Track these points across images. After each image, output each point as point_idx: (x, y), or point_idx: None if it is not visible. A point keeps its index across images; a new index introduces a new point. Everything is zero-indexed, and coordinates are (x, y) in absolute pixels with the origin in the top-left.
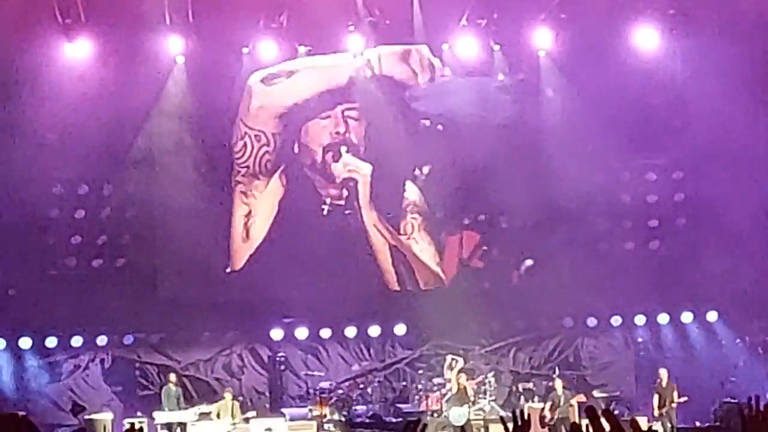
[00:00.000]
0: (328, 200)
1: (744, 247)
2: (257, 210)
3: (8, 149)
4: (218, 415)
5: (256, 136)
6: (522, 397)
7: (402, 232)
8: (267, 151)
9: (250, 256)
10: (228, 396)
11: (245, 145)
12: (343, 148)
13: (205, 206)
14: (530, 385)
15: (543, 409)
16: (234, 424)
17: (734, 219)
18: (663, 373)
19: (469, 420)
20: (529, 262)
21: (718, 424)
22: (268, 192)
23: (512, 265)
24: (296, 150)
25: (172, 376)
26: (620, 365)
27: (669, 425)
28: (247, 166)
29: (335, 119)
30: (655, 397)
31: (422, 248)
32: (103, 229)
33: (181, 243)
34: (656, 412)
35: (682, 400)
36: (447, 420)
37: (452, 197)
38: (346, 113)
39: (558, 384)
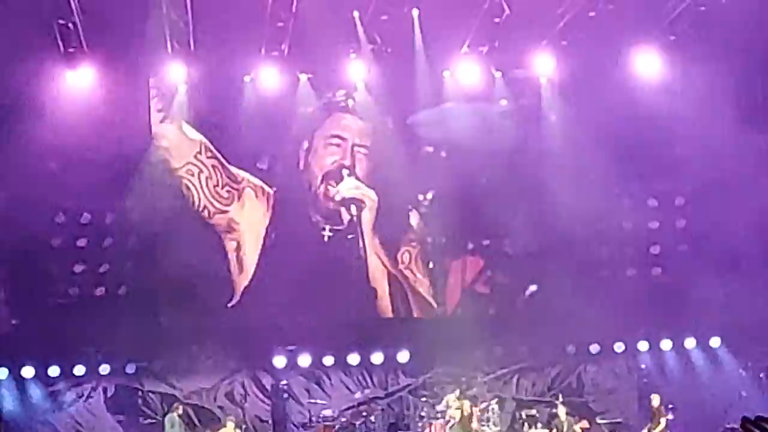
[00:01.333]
0: (327, 226)
1: (746, 272)
2: (244, 241)
3: (10, 177)
4: None
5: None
6: (525, 424)
7: (400, 261)
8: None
9: (245, 287)
10: (230, 425)
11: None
12: (345, 171)
13: (205, 235)
14: (533, 411)
15: None
16: None
17: (736, 245)
18: (655, 398)
19: None
20: (533, 288)
21: None
22: (254, 221)
23: (516, 291)
24: (301, 167)
25: (177, 406)
26: (623, 392)
27: None
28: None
29: (344, 151)
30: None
31: (417, 279)
32: (105, 258)
33: (182, 271)
34: None
35: (668, 418)
36: None
37: (456, 222)
38: (356, 148)
39: (561, 410)
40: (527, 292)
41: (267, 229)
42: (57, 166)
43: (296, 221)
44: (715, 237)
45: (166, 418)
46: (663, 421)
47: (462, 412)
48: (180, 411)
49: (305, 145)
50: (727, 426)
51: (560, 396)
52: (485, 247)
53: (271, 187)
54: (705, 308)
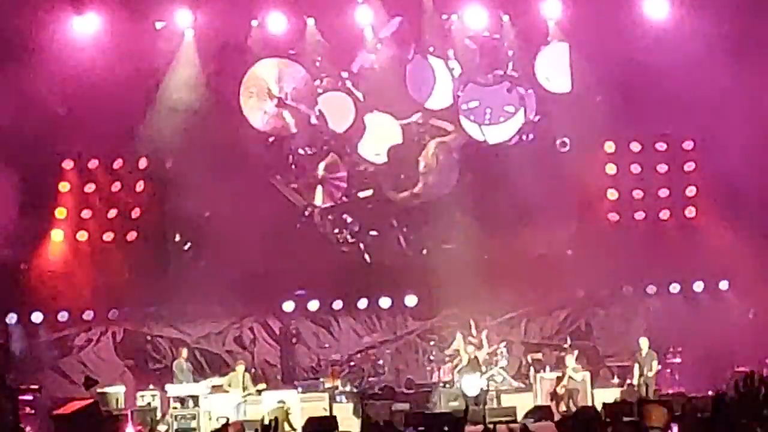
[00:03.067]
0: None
1: (754, 216)
2: None
3: (19, 122)
4: (229, 385)
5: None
6: (532, 368)
7: None
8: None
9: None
10: (240, 368)
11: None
12: None
13: (215, 182)
14: (539, 356)
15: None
16: (245, 396)
17: (744, 188)
18: (643, 342)
19: (482, 389)
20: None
21: (731, 393)
22: None
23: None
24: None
25: (184, 351)
26: (632, 335)
27: (645, 394)
28: None
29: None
30: (636, 367)
31: None
32: (114, 203)
33: (192, 216)
34: (635, 381)
35: (659, 368)
36: (459, 390)
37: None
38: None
39: (570, 359)
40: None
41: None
42: (64, 111)
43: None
44: (723, 180)
45: (174, 364)
46: (654, 364)
47: (470, 356)
48: (185, 355)
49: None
50: (737, 369)
51: (568, 340)
52: None
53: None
54: (713, 251)
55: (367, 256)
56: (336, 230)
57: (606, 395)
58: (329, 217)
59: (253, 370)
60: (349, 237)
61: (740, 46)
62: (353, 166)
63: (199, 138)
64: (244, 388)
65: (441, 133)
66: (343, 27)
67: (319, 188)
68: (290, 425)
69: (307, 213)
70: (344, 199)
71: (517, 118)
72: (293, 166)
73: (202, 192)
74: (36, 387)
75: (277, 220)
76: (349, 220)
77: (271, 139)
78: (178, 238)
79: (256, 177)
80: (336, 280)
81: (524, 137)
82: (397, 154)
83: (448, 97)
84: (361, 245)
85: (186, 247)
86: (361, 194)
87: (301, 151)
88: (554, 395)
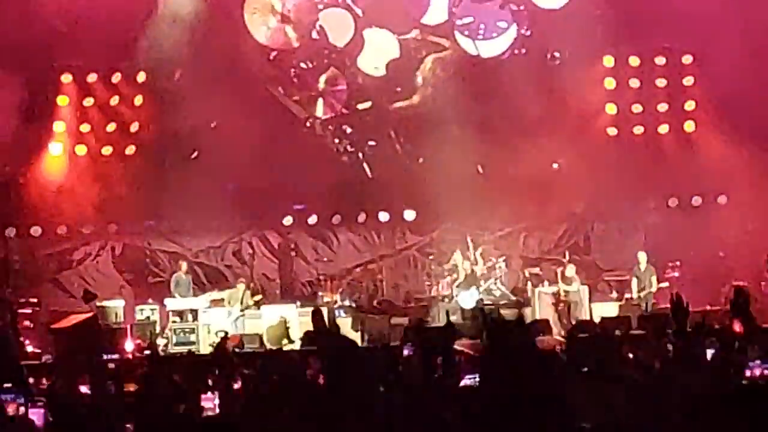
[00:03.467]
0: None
1: (753, 131)
2: None
3: (18, 36)
4: (229, 303)
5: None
6: (529, 283)
7: None
8: None
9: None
10: (240, 287)
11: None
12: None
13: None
14: (537, 270)
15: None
16: (243, 310)
17: (744, 103)
18: (642, 256)
19: (478, 302)
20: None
21: (728, 307)
22: None
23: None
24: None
25: (183, 264)
26: (630, 249)
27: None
28: None
29: None
30: (634, 281)
31: None
32: (113, 117)
33: (191, 131)
34: (635, 295)
35: (663, 285)
36: (457, 304)
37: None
38: None
39: (570, 269)
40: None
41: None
42: (64, 24)
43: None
44: (722, 95)
45: (173, 277)
46: (653, 279)
47: (467, 270)
48: (184, 268)
49: None
50: (734, 283)
51: (567, 254)
52: None
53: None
54: (712, 166)
55: (366, 167)
56: (336, 140)
57: (604, 309)
58: (329, 127)
59: (252, 285)
60: (348, 147)
61: None
62: (353, 79)
63: (199, 51)
64: (241, 304)
65: (438, 49)
66: None
67: (320, 101)
68: (289, 339)
69: (308, 124)
70: (344, 110)
71: (509, 33)
72: (295, 80)
73: (202, 105)
74: (35, 301)
75: (278, 133)
76: (349, 130)
77: (273, 54)
78: (195, 154)
79: (258, 90)
80: (335, 195)
81: (517, 51)
82: (395, 68)
83: (444, 13)
84: (360, 155)
85: (193, 155)
86: (360, 106)
87: (302, 65)
88: (556, 309)
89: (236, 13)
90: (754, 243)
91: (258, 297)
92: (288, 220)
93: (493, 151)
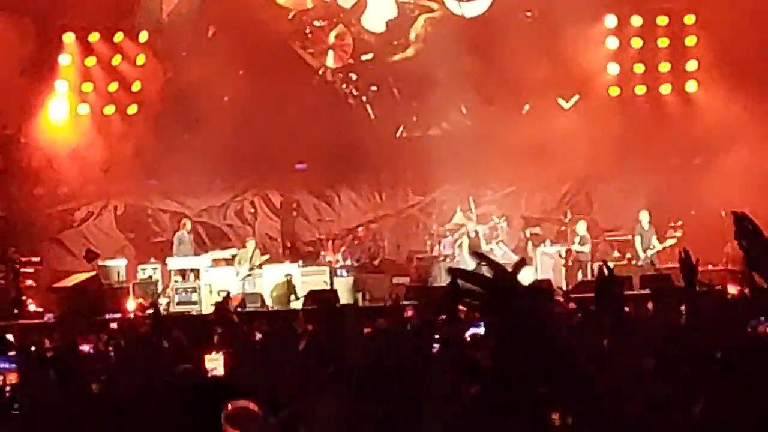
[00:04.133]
0: None
1: (755, 91)
2: None
3: None
4: (239, 262)
5: None
6: (530, 243)
7: None
8: None
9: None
10: (250, 245)
11: None
12: None
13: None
14: (537, 230)
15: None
16: (252, 269)
17: (747, 63)
18: (643, 216)
19: (479, 264)
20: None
21: (729, 266)
22: None
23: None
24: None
25: (187, 223)
26: (632, 209)
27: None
28: None
29: None
30: (637, 239)
31: None
32: (115, 77)
33: (196, 90)
34: (641, 255)
35: (669, 243)
36: (458, 265)
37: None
38: None
39: (581, 226)
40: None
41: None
42: None
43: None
44: (725, 55)
45: (175, 237)
46: (654, 239)
47: (469, 230)
48: (189, 227)
49: None
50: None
51: (568, 213)
52: None
53: None
54: (713, 126)
55: (369, 109)
56: (344, 86)
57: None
58: (339, 74)
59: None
60: (354, 91)
61: None
62: (357, 35)
63: (204, 9)
64: (250, 263)
65: (428, 10)
66: None
67: (330, 52)
68: (296, 296)
69: (320, 73)
70: (350, 61)
71: None
72: (309, 35)
73: (208, 62)
74: (37, 260)
75: (292, 85)
76: (354, 77)
77: (291, 14)
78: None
79: (273, 46)
80: (338, 155)
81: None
82: (393, 26)
83: None
84: (364, 98)
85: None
86: (364, 57)
87: (315, 23)
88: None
89: None
90: (756, 201)
91: (266, 256)
92: (291, 180)
93: (495, 111)
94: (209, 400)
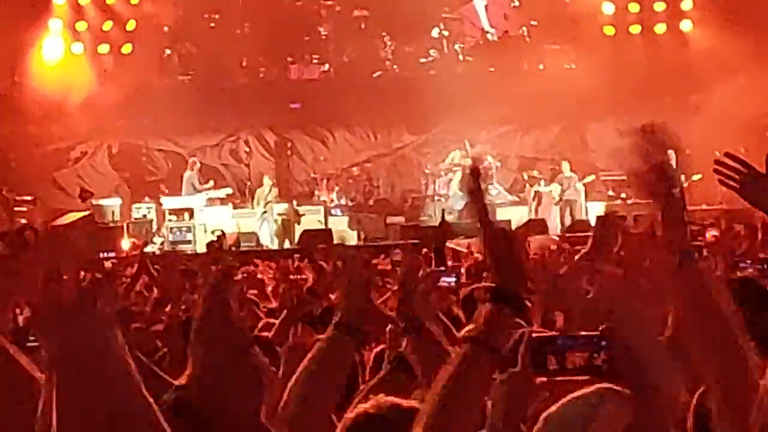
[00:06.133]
0: None
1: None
2: None
3: None
4: (257, 202)
5: None
6: (527, 185)
7: None
8: None
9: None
10: (267, 182)
11: None
12: None
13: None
14: (534, 172)
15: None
16: (266, 207)
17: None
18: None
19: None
20: None
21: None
22: None
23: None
24: None
25: (196, 162)
26: (626, 148)
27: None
28: None
29: None
30: None
31: None
32: (109, 16)
33: (190, 30)
34: None
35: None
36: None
37: None
38: None
39: (565, 166)
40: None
41: None
42: None
43: None
44: None
45: (184, 176)
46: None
47: (464, 169)
48: (198, 166)
49: None
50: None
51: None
52: None
53: None
54: (709, 65)
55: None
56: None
57: (600, 208)
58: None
59: (248, 183)
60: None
61: None
62: None
63: None
64: (265, 202)
65: None
66: None
67: None
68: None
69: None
70: None
71: None
72: None
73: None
74: (30, 198)
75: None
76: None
77: None
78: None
79: None
80: (331, 93)
81: None
82: None
83: None
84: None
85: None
86: None
87: None
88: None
89: None
90: (750, 138)
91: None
92: (285, 119)
93: (488, 49)
94: None
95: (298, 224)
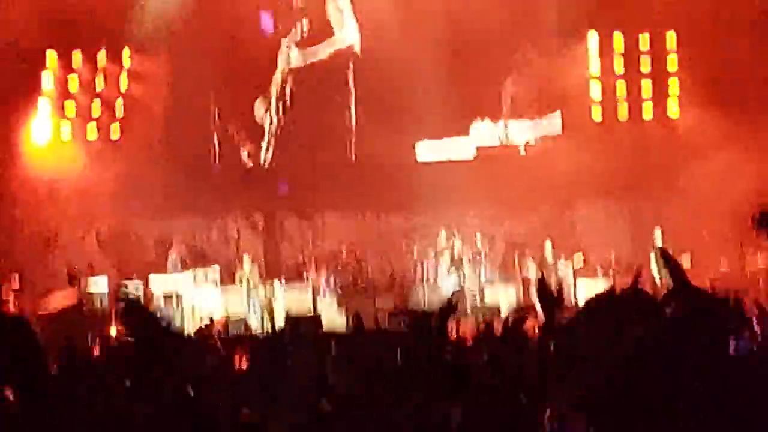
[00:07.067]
0: None
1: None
2: None
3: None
4: (239, 282)
5: None
6: (516, 264)
7: None
8: None
9: None
10: (246, 262)
11: None
12: None
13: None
14: (520, 252)
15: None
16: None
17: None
18: (657, 234)
19: (460, 288)
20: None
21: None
22: None
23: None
24: None
25: (176, 241)
26: (615, 232)
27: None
28: None
29: None
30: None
31: None
32: (97, 96)
33: (176, 113)
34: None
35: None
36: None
37: None
38: None
39: (548, 246)
40: None
41: None
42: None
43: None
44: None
45: (169, 257)
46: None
47: (453, 253)
48: (182, 248)
49: None
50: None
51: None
52: None
53: None
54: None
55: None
56: None
57: (588, 287)
58: None
59: (237, 264)
60: None
61: None
62: None
63: (187, 30)
64: (249, 283)
65: None
66: None
67: None
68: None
69: None
70: None
71: None
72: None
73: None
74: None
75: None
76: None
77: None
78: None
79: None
80: (322, 176)
81: None
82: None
83: None
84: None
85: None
86: None
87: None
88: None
89: None
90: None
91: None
92: (274, 202)
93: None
94: None
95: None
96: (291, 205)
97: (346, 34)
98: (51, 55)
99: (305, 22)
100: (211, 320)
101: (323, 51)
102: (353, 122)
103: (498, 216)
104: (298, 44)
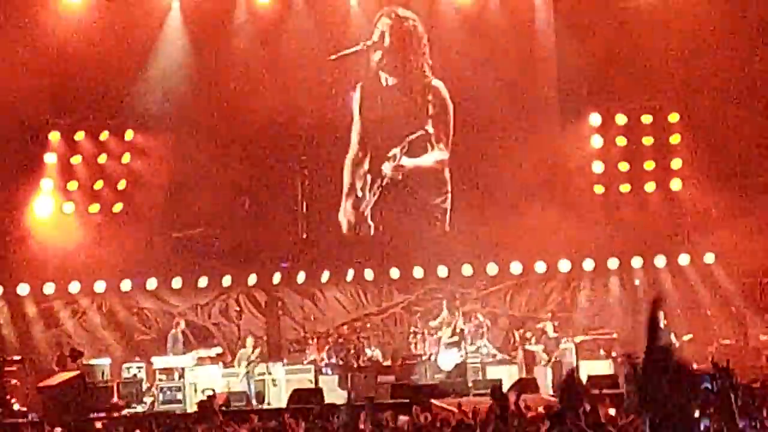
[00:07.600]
0: None
1: (739, 188)
2: None
3: (5, 93)
4: (238, 363)
5: None
6: (517, 340)
7: None
8: None
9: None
10: (249, 343)
11: None
12: None
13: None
14: (524, 332)
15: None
16: (249, 366)
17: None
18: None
19: (459, 364)
20: None
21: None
22: None
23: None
24: None
25: (181, 322)
26: (618, 307)
27: None
28: None
29: None
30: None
31: None
32: (100, 176)
33: (178, 189)
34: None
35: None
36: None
37: None
38: None
39: (549, 327)
40: None
41: None
42: (48, 83)
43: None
44: (709, 153)
45: (169, 335)
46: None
47: (454, 329)
48: (182, 326)
49: None
50: (722, 342)
51: (550, 314)
52: None
53: None
54: (700, 224)
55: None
56: None
57: (591, 367)
58: None
59: (239, 342)
60: None
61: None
62: None
63: (188, 108)
64: (248, 363)
65: None
66: None
67: None
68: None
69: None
70: None
71: None
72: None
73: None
74: (18, 358)
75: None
76: None
77: None
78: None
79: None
80: (321, 252)
81: None
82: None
83: None
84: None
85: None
86: None
87: None
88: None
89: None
90: (739, 301)
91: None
92: (275, 278)
93: (482, 208)
94: None
95: (274, 385)
96: (291, 282)
97: None
98: (54, 136)
99: None
100: (213, 392)
101: None
102: None
103: (500, 292)
104: None
